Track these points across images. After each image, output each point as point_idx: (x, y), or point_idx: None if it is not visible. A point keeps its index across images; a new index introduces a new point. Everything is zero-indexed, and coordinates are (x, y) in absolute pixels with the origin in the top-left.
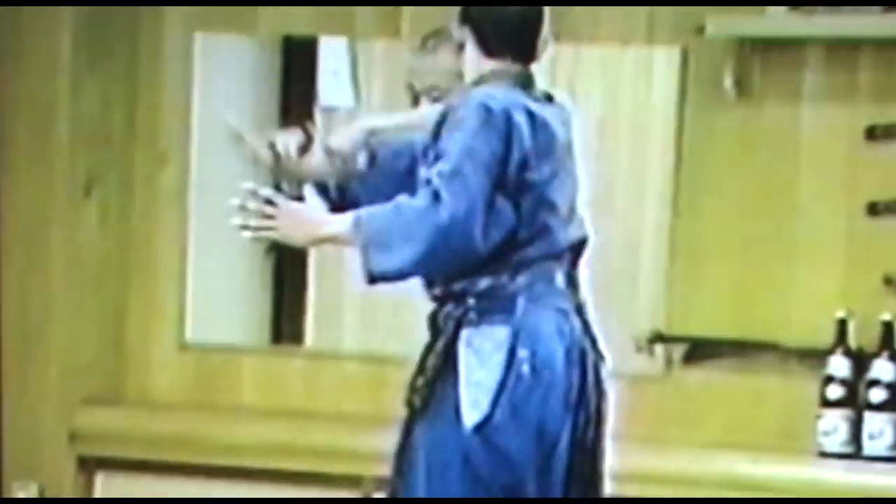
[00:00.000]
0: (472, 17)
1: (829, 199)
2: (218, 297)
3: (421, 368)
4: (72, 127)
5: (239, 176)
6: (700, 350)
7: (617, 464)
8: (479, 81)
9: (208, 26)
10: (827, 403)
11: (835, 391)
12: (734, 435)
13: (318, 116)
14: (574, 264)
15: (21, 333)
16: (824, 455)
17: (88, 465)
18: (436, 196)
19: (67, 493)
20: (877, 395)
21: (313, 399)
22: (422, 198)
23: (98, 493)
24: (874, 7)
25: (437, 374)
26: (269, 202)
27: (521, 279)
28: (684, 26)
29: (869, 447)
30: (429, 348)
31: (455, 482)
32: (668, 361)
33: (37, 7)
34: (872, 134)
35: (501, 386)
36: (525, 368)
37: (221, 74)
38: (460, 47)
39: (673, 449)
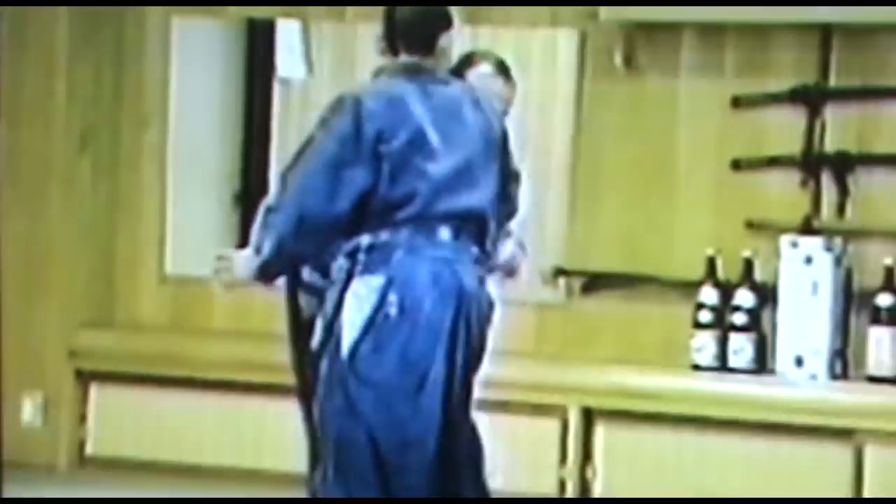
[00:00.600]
0: (383, 19)
1: (701, 156)
2: (192, 236)
3: (322, 312)
4: (69, 93)
5: (209, 137)
6: (596, 282)
7: (527, 377)
8: (377, 73)
9: (184, 11)
10: (699, 326)
11: (705, 316)
12: (624, 353)
13: (275, 86)
14: (476, 224)
15: (26, 268)
16: (697, 368)
17: (84, 378)
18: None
19: (67, 402)
20: (739, 318)
21: (272, 322)
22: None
23: (93, 401)
24: None
25: (332, 316)
26: (222, 257)
27: (400, 235)
28: (582, 12)
29: (733, 361)
30: (328, 296)
31: (339, 407)
32: (569, 292)
33: None
34: (737, 103)
35: (369, 323)
36: (392, 310)
37: (195, 51)
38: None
39: (574, 365)
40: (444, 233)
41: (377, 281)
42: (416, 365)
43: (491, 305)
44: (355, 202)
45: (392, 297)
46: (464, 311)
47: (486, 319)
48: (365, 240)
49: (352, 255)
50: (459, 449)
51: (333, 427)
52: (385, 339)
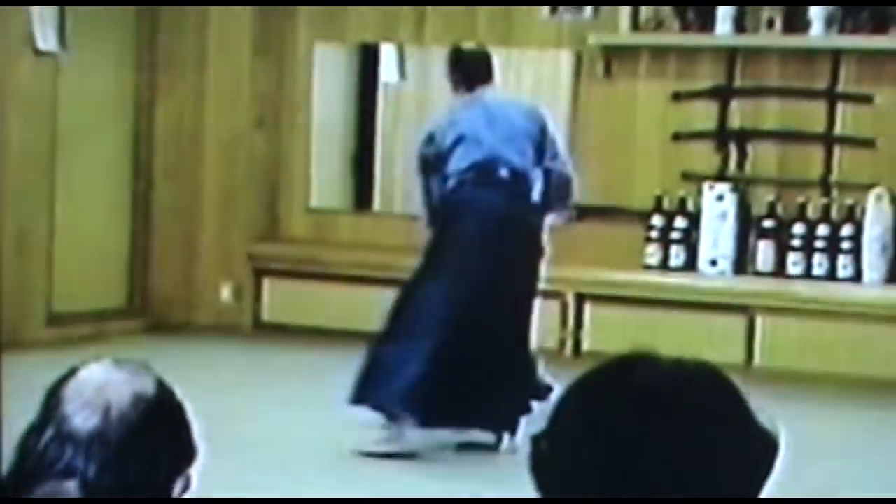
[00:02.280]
0: (452, 65)
1: (653, 132)
2: (326, 182)
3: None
4: (251, 93)
5: (336, 120)
6: (584, 212)
7: (542, 274)
8: (454, 107)
9: (322, 37)
10: (650, 241)
11: (654, 234)
12: (602, 258)
13: (380, 88)
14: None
15: (222, 201)
16: (647, 268)
17: (259, 274)
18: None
19: (249, 288)
20: (676, 235)
21: (380, 239)
22: None
23: (265, 291)
24: (677, 22)
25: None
26: None
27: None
28: (577, 38)
29: (672, 263)
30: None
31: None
32: (569, 218)
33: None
34: (677, 97)
35: None
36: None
37: (327, 65)
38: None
39: (570, 265)
40: (503, 173)
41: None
42: None
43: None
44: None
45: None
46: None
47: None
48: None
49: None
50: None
51: None
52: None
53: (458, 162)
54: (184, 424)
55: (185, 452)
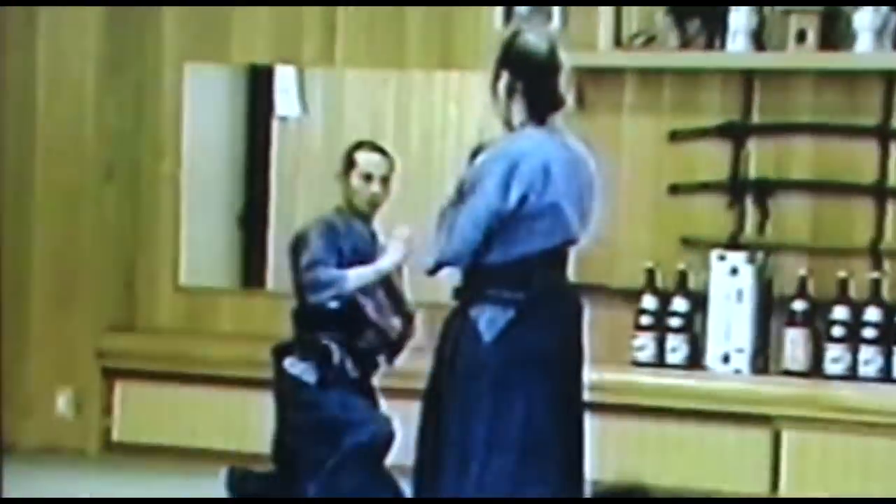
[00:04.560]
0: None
1: (642, 182)
2: (202, 252)
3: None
4: (97, 129)
5: (216, 167)
6: None
7: None
8: None
9: (195, 57)
10: (640, 328)
11: (646, 319)
12: None
13: (274, 123)
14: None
15: (60, 279)
16: (638, 364)
17: (109, 376)
18: None
19: (95, 396)
20: (675, 322)
21: (273, 327)
22: None
23: (117, 395)
24: (674, 37)
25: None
26: None
27: None
28: None
29: (670, 358)
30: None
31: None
32: None
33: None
34: (673, 136)
35: None
36: None
37: (204, 93)
38: None
39: None
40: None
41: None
42: None
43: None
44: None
45: None
46: None
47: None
48: None
49: None
50: None
51: None
52: None
53: (533, 239)
54: None
55: None
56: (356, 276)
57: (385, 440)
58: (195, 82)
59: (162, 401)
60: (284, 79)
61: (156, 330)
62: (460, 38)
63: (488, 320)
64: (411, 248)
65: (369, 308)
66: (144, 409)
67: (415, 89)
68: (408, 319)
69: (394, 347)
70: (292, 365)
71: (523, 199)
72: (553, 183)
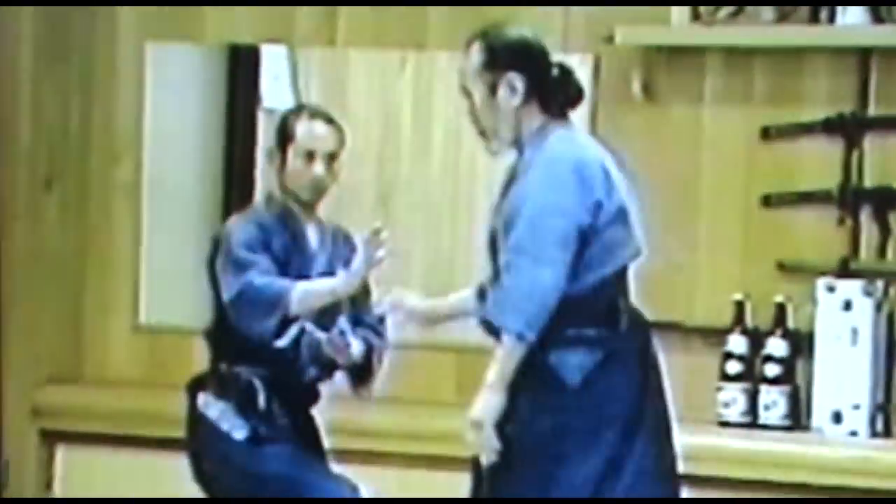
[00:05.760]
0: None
1: (728, 192)
2: (168, 283)
3: None
4: (33, 126)
5: (187, 173)
6: None
7: None
8: None
9: (159, 36)
10: (726, 378)
11: (733, 367)
12: None
13: (260, 117)
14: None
15: None
16: (724, 424)
17: (50, 439)
18: None
19: (31, 466)
20: (771, 369)
21: None
22: None
23: (59, 464)
24: (769, 9)
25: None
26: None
27: None
28: (595, 35)
29: (764, 417)
30: None
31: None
32: None
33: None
34: (767, 134)
35: None
36: None
37: (172, 80)
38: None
39: None
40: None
41: None
42: None
43: None
44: None
45: None
46: None
47: None
48: None
49: None
50: None
51: None
52: None
53: (607, 258)
54: None
55: None
56: (302, 292)
57: None
58: (159, 67)
59: (115, 470)
60: (273, 62)
61: (108, 382)
62: (495, 10)
63: (574, 367)
64: (381, 258)
65: (317, 332)
66: (93, 480)
67: (437, 76)
68: (376, 335)
69: (359, 371)
70: (206, 405)
71: (597, 209)
72: (614, 183)
